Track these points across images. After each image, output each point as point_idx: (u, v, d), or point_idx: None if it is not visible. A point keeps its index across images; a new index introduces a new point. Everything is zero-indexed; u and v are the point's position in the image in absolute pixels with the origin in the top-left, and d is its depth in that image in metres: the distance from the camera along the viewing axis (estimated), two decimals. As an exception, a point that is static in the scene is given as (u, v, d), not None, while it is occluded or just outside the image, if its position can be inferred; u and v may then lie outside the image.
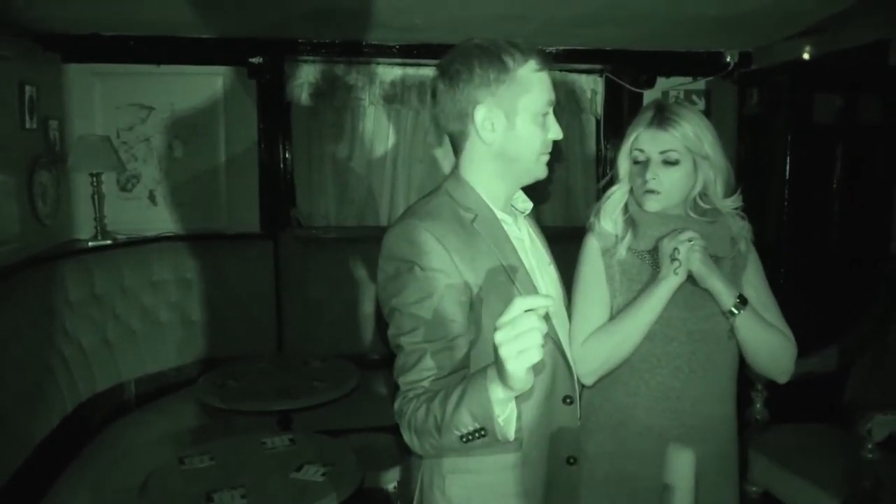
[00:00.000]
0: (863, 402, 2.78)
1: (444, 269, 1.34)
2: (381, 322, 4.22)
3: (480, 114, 1.40)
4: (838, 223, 3.49)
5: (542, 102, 1.42)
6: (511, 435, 1.20)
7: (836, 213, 3.49)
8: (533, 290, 1.45)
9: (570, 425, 1.52)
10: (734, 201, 1.70)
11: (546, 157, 1.47)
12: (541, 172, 1.48)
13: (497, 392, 1.14)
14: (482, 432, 1.18)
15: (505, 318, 1.06)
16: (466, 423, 1.18)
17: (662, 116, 1.63)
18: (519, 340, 1.05)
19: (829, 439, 2.80)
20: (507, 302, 1.11)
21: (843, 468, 2.49)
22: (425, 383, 1.30)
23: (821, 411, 2.95)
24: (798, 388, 2.92)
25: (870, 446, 2.27)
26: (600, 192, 1.77)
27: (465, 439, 1.20)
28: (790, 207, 3.45)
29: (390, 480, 2.87)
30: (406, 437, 1.32)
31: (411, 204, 1.51)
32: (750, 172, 3.67)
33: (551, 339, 1.47)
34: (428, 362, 1.31)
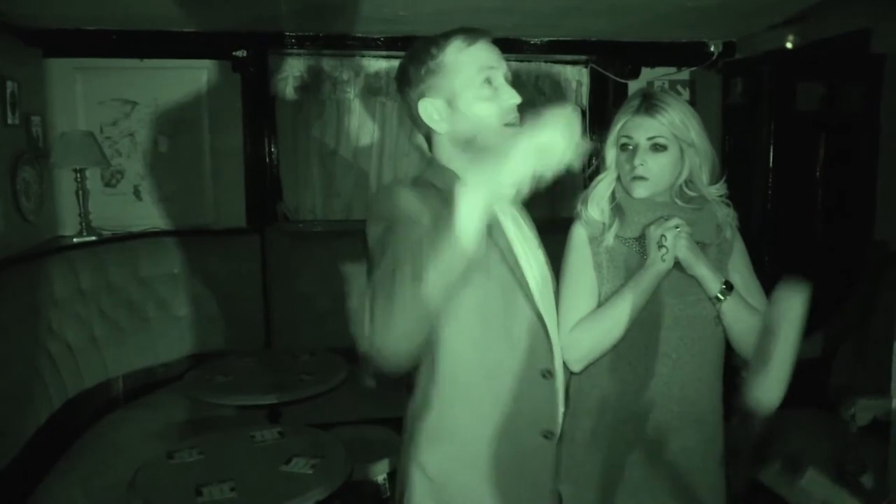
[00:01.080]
0: (847, 387, 2.81)
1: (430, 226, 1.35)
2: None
3: (423, 108, 1.46)
4: (822, 211, 3.53)
5: (476, 78, 1.44)
6: (468, 242, 1.11)
7: (820, 201, 3.52)
8: (517, 264, 1.48)
9: (548, 400, 1.54)
10: (719, 189, 1.72)
11: (513, 128, 1.46)
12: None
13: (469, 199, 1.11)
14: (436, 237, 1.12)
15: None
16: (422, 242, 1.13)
17: (649, 103, 1.65)
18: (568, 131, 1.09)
19: (814, 424, 2.83)
20: (487, 270, 1.21)
21: (828, 452, 2.53)
22: None
23: (806, 397, 2.98)
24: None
25: (854, 430, 2.30)
26: (587, 182, 1.79)
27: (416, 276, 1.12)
28: (774, 195, 3.48)
29: (379, 472, 2.88)
30: (365, 320, 1.23)
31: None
32: (734, 161, 3.69)
33: (532, 310, 1.50)
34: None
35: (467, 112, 1.44)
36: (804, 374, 2.88)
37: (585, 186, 1.79)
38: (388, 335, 1.16)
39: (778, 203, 3.48)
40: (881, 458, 2.22)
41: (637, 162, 1.64)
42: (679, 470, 1.67)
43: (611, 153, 1.72)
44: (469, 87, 1.43)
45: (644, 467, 1.67)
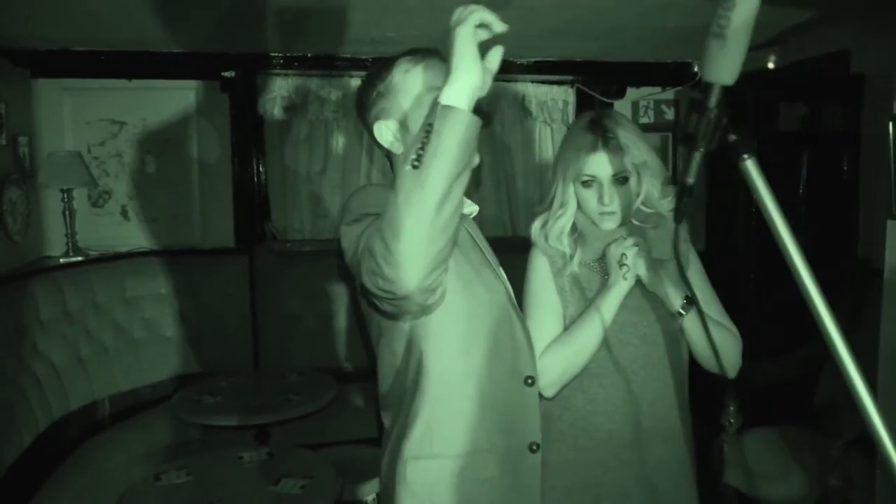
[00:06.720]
0: (832, 403, 2.83)
1: None
2: (356, 334, 4.19)
3: (377, 130, 1.48)
4: (805, 229, 3.56)
5: (425, 97, 1.41)
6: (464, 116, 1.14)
7: (804, 219, 3.55)
8: (487, 262, 1.50)
9: (532, 408, 1.53)
10: (671, 202, 1.69)
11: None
12: None
13: (449, 92, 1.16)
14: (428, 130, 1.13)
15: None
16: (417, 144, 1.14)
17: (605, 137, 1.63)
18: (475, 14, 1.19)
19: (800, 441, 2.85)
20: (477, 276, 1.33)
21: (814, 468, 2.54)
22: None
23: (792, 414, 3.00)
24: (769, 391, 2.97)
25: (840, 445, 2.32)
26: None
27: (415, 162, 1.13)
28: (758, 215, 3.51)
29: (368, 492, 2.87)
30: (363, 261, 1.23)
31: None
32: (718, 181, 3.73)
33: (517, 316, 1.52)
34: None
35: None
36: (789, 391, 2.92)
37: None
38: (401, 247, 1.11)
39: (762, 221, 3.50)
40: (867, 473, 2.24)
41: (606, 199, 1.64)
42: (652, 486, 1.67)
43: (569, 189, 1.69)
44: (418, 108, 1.42)
45: (618, 486, 1.66)
